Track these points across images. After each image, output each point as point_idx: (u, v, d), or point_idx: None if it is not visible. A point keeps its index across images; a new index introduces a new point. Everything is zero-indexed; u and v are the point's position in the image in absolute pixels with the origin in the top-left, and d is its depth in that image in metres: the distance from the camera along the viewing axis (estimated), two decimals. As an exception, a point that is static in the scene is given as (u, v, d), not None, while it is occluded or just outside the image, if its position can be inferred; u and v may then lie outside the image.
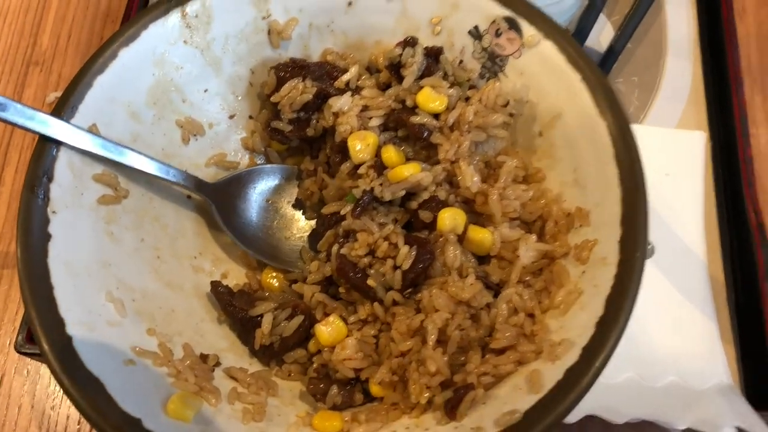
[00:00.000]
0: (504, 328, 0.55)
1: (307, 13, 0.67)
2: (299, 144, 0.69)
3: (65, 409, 0.70)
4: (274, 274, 0.65)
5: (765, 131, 0.81)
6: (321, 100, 0.65)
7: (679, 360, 0.65)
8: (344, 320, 0.59)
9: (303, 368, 0.61)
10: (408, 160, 0.63)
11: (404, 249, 0.58)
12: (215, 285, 0.62)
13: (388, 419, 0.55)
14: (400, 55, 0.63)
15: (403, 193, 0.61)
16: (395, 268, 0.58)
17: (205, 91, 0.66)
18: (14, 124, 0.56)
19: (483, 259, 0.60)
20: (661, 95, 0.80)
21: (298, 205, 0.69)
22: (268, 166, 0.69)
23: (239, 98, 0.68)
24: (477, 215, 0.61)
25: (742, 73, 0.81)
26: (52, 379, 0.58)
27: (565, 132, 0.60)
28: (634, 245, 0.52)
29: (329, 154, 0.66)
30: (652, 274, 0.69)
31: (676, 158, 0.75)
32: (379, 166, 0.62)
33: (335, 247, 0.61)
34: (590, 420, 0.61)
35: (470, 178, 0.60)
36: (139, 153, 0.60)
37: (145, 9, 0.63)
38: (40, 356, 0.65)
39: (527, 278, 0.58)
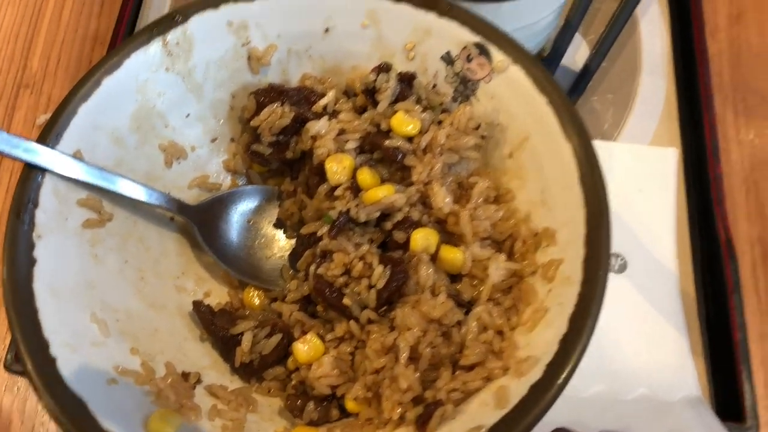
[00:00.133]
0: (474, 345, 0.57)
1: (286, 40, 0.69)
2: (279, 166, 0.71)
3: (54, 426, 0.72)
4: (255, 293, 0.67)
5: (736, 147, 0.83)
6: (299, 124, 0.67)
7: (650, 373, 0.67)
8: (321, 338, 0.61)
9: (282, 385, 0.63)
10: (383, 181, 0.65)
11: (379, 269, 0.60)
12: (197, 304, 0.64)
13: (362, 434, 0.57)
14: (375, 80, 0.66)
15: (378, 214, 0.63)
16: (370, 287, 0.60)
17: (187, 115, 0.68)
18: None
19: (455, 277, 0.62)
20: (635, 112, 0.83)
21: (278, 225, 0.71)
22: (249, 187, 0.71)
23: (221, 122, 0.71)
24: (449, 235, 0.63)
25: (713, 90, 0.83)
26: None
27: (533, 154, 0.62)
28: (597, 265, 0.54)
29: (308, 176, 0.68)
30: (624, 288, 0.72)
31: (648, 174, 0.77)
32: (355, 188, 0.64)
33: (312, 267, 0.63)
34: (561, 433, 0.63)
35: (442, 199, 0.62)
36: (123, 177, 0.62)
37: (128, 38, 0.65)
38: (28, 375, 0.66)
39: (497, 296, 0.60)
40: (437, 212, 0.63)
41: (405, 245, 0.62)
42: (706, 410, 0.64)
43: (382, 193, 0.62)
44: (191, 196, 0.69)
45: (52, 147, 0.59)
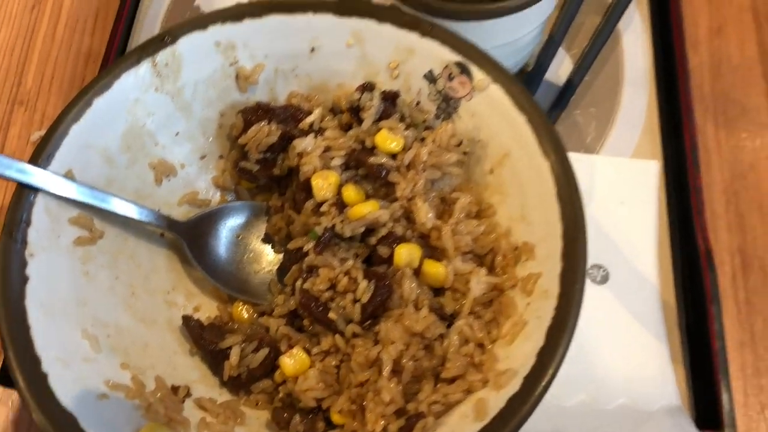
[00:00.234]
0: (455, 358, 0.58)
1: (273, 59, 0.71)
2: (267, 182, 0.72)
3: (48, 439, 0.73)
4: (244, 307, 0.69)
5: (717, 158, 0.84)
6: (286, 141, 0.69)
7: (631, 382, 0.68)
8: (308, 352, 0.63)
9: (270, 398, 0.64)
10: (368, 197, 0.66)
11: (363, 283, 0.61)
12: (187, 319, 0.66)
13: (347, 446, 0.59)
14: (359, 99, 0.67)
15: (362, 229, 0.64)
16: (355, 301, 0.62)
17: (177, 134, 0.70)
18: (-7, 175, 0.59)
19: (438, 291, 0.64)
20: (617, 125, 0.84)
21: (267, 240, 0.72)
22: (238, 203, 0.73)
23: (210, 140, 0.72)
24: (432, 249, 0.65)
25: (694, 102, 0.85)
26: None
27: (513, 170, 0.64)
28: (573, 278, 0.55)
29: (294, 192, 0.70)
30: (606, 299, 0.73)
31: (630, 187, 0.78)
32: (341, 204, 0.65)
33: (299, 282, 0.64)
34: (543, 442, 0.64)
35: (425, 215, 0.64)
36: (114, 196, 0.64)
37: (118, 59, 0.67)
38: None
39: (478, 309, 0.61)
40: (420, 227, 0.64)
41: (389, 260, 0.64)
42: (684, 419, 0.65)
43: (366, 209, 0.64)
44: (181, 213, 0.71)
45: (44, 167, 0.61)
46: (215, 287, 0.70)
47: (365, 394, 0.58)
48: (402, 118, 0.68)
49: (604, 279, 0.74)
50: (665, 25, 0.89)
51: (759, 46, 0.91)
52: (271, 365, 0.63)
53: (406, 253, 0.63)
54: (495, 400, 0.53)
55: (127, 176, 0.67)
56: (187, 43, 0.68)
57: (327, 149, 0.68)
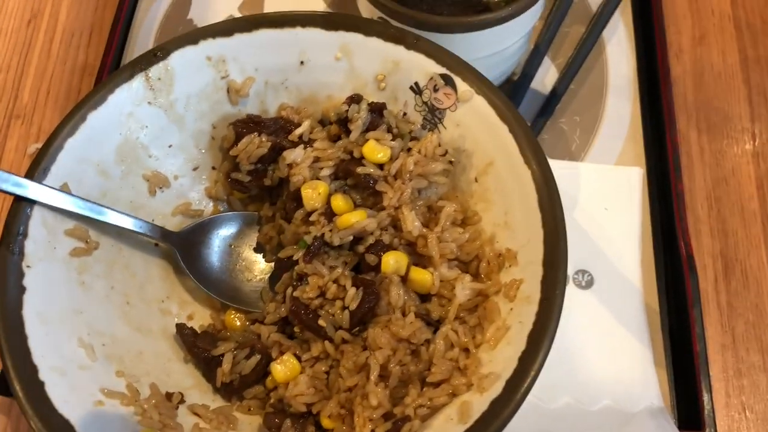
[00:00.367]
0: (441, 362, 0.60)
1: (263, 72, 0.72)
2: (259, 192, 0.74)
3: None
4: (236, 315, 0.70)
5: (700, 164, 0.86)
6: (276, 152, 0.70)
7: (615, 385, 0.70)
8: (298, 358, 0.64)
9: (262, 403, 0.66)
10: (356, 207, 0.68)
11: (351, 291, 0.63)
12: (180, 327, 0.68)
13: (337, 450, 0.60)
14: (347, 111, 0.69)
15: (351, 238, 0.66)
16: (344, 308, 0.63)
17: (170, 146, 0.72)
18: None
19: (425, 297, 0.66)
20: (602, 133, 0.86)
21: (258, 249, 0.74)
22: (230, 213, 0.74)
23: (202, 151, 0.74)
24: (419, 257, 0.66)
25: (677, 110, 0.87)
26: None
27: (497, 178, 0.66)
28: (554, 285, 0.57)
29: (285, 202, 0.71)
30: (591, 303, 0.75)
31: (614, 193, 0.80)
32: (329, 213, 0.67)
33: (289, 290, 0.66)
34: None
35: (411, 223, 0.65)
36: (108, 208, 0.65)
37: (112, 74, 0.69)
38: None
39: (463, 315, 0.63)
40: (407, 235, 0.66)
41: (377, 267, 0.65)
42: (665, 419, 0.67)
43: (354, 218, 0.65)
44: (175, 223, 0.73)
45: (40, 181, 0.63)
46: (208, 296, 0.71)
47: (354, 398, 0.60)
48: (389, 129, 0.70)
49: (589, 284, 0.75)
50: (648, 35, 0.91)
51: (740, 54, 0.93)
52: (262, 371, 0.65)
53: (393, 261, 0.64)
54: (478, 403, 0.55)
55: (122, 188, 0.69)
56: (179, 57, 0.69)
57: (316, 160, 0.69)
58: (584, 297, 0.75)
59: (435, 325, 0.63)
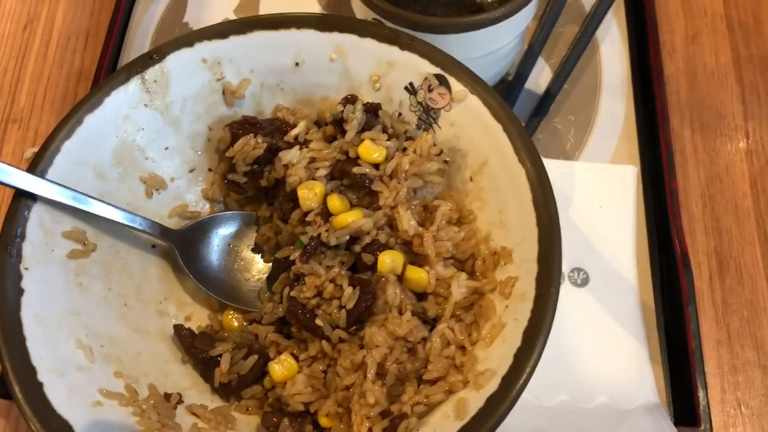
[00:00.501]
0: (437, 360, 0.60)
1: (258, 74, 0.73)
2: (255, 193, 0.75)
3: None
4: (234, 315, 0.71)
5: (694, 163, 0.87)
6: (272, 153, 0.71)
7: (611, 382, 0.70)
8: (295, 357, 0.65)
9: (260, 403, 0.66)
10: (352, 206, 0.69)
11: (348, 290, 0.64)
12: (178, 328, 0.68)
13: (335, 448, 0.61)
14: (342, 111, 0.69)
15: (347, 238, 0.66)
16: (341, 307, 0.64)
17: (166, 148, 0.72)
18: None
19: (421, 296, 0.66)
20: (596, 132, 0.87)
21: (257, 249, 0.75)
22: (229, 212, 0.75)
23: (198, 153, 0.74)
24: (415, 256, 0.67)
25: (670, 108, 0.87)
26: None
27: (491, 177, 0.66)
28: (548, 282, 0.58)
29: (281, 203, 0.72)
30: (586, 301, 0.75)
31: (608, 191, 0.80)
32: (326, 213, 0.67)
33: (286, 290, 0.66)
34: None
35: (407, 222, 0.66)
36: (109, 204, 0.66)
37: (108, 77, 0.69)
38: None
39: (459, 313, 0.63)
40: (403, 235, 0.66)
41: (373, 267, 0.66)
42: (661, 416, 0.67)
43: (351, 218, 0.66)
44: (172, 225, 0.73)
45: (38, 183, 0.63)
46: (206, 296, 0.72)
47: (351, 396, 0.60)
48: (384, 129, 0.70)
49: (584, 282, 0.76)
50: (642, 34, 0.92)
51: (733, 53, 0.94)
52: (260, 371, 0.65)
53: (389, 260, 0.65)
54: (475, 399, 0.55)
55: (119, 190, 0.69)
56: (175, 60, 0.70)
57: (312, 160, 0.70)
58: (580, 295, 0.75)
59: (431, 323, 0.64)
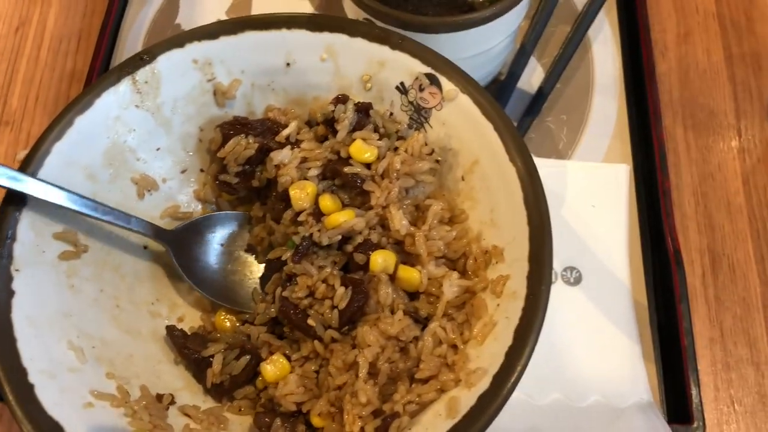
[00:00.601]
0: (429, 359, 0.60)
1: (249, 75, 0.73)
2: (247, 194, 0.75)
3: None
4: (226, 316, 0.71)
5: (686, 161, 0.87)
6: (264, 153, 0.71)
7: (604, 380, 0.70)
8: (288, 358, 0.65)
9: (253, 403, 0.66)
10: (344, 206, 0.68)
11: (340, 290, 0.64)
12: (170, 329, 0.68)
13: (327, 448, 0.61)
14: (333, 111, 0.69)
15: (339, 237, 0.66)
16: (333, 307, 0.64)
17: (158, 149, 0.72)
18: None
19: (413, 295, 0.66)
20: (588, 131, 0.87)
21: (250, 249, 0.74)
22: (223, 213, 0.75)
23: (190, 154, 0.74)
24: (407, 255, 0.67)
25: (663, 107, 0.87)
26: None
27: (482, 176, 0.66)
28: (539, 280, 0.58)
29: (274, 203, 0.72)
30: (579, 300, 0.75)
31: (601, 190, 0.80)
32: (318, 213, 0.67)
33: (278, 290, 0.66)
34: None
35: (399, 222, 0.66)
36: (103, 205, 0.65)
37: (99, 78, 0.69)
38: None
39: (451, 311, 0.63)
40: (395, 234, 0.66)
41: (365, 266, 0.66)
42: (654, 414, 0.67)
43: (343, 218, 0.66)
44: (164, 226, 0.72)
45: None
46: (199, 297, 0.72)
47: (343, 396, 0.60)
48: (375, 129, 0.70)
49: (577, 280, 0.76)
50: (633, 33, 0.92)
51: (725, 51, 0.94)
52: (252, 372, 0.65)
53: (381, 260, 0.65)
54: (466, 398, 0.55)
55: (110, 191, 0.69)
56: (166, 60, 0.70)
57: (303, 160, 0.70)
58: (573, 293, 0.75)
59: (423, 322, 0.64)
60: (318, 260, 0.67)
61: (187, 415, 0.63)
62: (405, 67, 0.69)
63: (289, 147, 0.70)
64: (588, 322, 0.74)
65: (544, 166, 0.71)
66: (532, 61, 0.91)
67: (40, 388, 0.57)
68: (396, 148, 0.70)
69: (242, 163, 0.71)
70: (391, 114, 0.72)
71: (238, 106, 0.74)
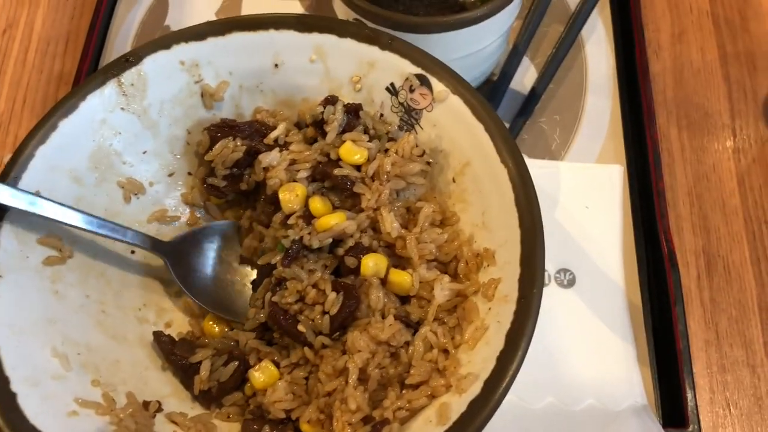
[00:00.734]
0: (420, 364, 0.59)
1: (237, 76, 0.72)
2: (236, 197, 0.73)
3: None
4: (215, 322, 0.69)
5: (681, 161, 0.86)
6: (252, 156, 0.70)
7: (598, 384, 0.70)
8: (277, 364, 0.64)
9: (241, 410, 0.65)
10: (334, 209, 0.67)
11: (332, 295, 0.62)
12: (158, 335, 0.67)
13: (316, 455, 0.59)
14: (322, 112, 0.68)
15: (330, 240, 0.65)
16: (324, 313, 0.63)
17: (144, 152, 0.71)
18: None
19: (404, 299, 0.65)
20: (582, 132, 0.86)
21: (246, 260, 0.73)
22: (219, 223, 0.73)
23: (177, 157, 0.73)
24: (398, 258, 0.66)
25: (657, 107, 0.86)
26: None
27: (474, 178, 0.65)
28: (531, 283, 0.57)
29: (263, 206, 0.71)
30: (573, 302, 0.75)
31: (595, 191, 0.80)
32: (308, 216, 0.66)
33: (268, 295, 0.65)
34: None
35: (390, 225, 0.65)
36: (98, 218, 0.64)
37: (83, 81, 0.68)
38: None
39: (442, 316, 0.62)
40: (386, 237, 0.65)
41: (356, 270, 0.65)
42: (649, 417, 0.66)
43: (333, 221, 0.65)
44: (151, 230, 0.72)
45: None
46: (187, 302, 0.70)
47: (333, 403, 0.59)
48: (365, 130, 0.69)
49: (571, 282, 0.75)
50: (627, 33, 0.91)
51: (719, 50, 0.93)
52: (240, 378, 0.64)
53: (372, 263, 0.64)
54: (457, 404, 0.54)
55: (96, 195, 0.68)
56: (152, 62, 0.69)
57: (292, 162, 0.69)
58: (566, 296, 0.74)
59: (414, 326, 0.63)
60: (308, 264, 0.66)
61: (174, 422, 0.62)
62: (395, 67, 0.68)
63: (277, 149, 0.69)
64: (582, 324, 0.73)
65: (536, 167, 0.70)
66: (525, 62, 0.90)
67: (23, 397, 0.55)
68: (386, 150, 0.69)
69: (230, 166, 0.70)
70: (382, 115, 0.71)
71: (226, 108, 0.73)
